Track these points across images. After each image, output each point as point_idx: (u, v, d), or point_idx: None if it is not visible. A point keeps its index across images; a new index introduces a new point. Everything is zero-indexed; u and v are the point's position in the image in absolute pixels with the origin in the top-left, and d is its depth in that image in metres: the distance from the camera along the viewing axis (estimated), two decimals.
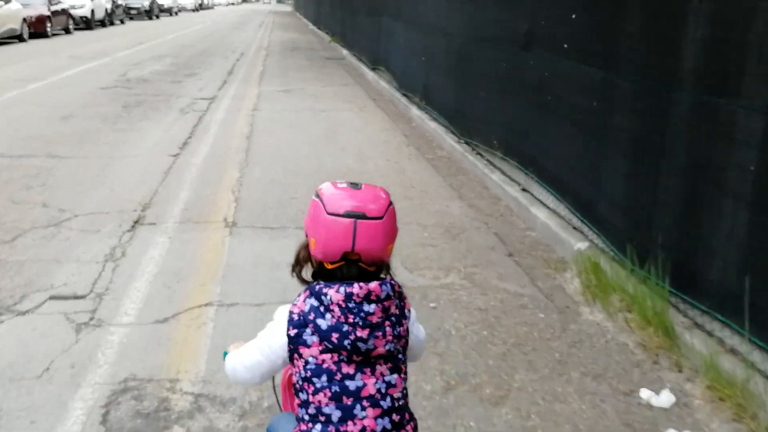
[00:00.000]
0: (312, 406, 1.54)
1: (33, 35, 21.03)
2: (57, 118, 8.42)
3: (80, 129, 7.82)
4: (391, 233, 1.58)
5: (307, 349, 1.52)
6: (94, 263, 4.05)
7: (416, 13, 9.83)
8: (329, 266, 1.57)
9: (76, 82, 11.53)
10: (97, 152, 6.77)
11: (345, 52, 18.82)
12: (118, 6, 32.33)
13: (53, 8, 22.65)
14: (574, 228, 4.65)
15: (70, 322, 3.33)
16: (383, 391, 1.55)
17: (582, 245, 4.32)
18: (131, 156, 6.68)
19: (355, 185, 1.59)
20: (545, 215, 4.99)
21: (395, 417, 1.56)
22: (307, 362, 1.53)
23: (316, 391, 1.53)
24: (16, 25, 19.49)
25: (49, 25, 21.94)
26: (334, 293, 1.50)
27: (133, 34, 25.16)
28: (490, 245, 4.65)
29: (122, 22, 33.31)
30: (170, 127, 8.12)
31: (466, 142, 7.26)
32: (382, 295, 1.53)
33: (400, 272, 4.13)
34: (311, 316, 1.52)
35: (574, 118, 4.63)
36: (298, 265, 1.66)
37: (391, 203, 1.58)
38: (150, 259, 4.15)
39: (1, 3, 18.46)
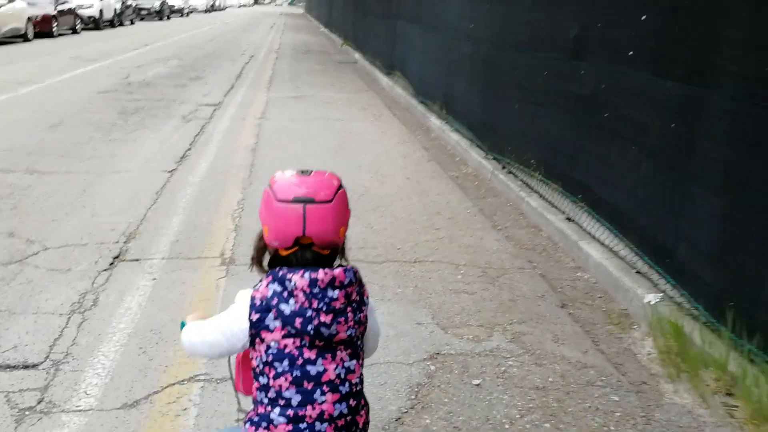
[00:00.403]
0: (272, 390, 1.54)
1: (38, 35, 20.45)
2: (45, 125, 7.70)
3: (69, 139, 7.09)
4: (342, 216, 1.59)
5: (269, 334, 1.52)
6: (57, 316, 3.30)
7: (436, 15, 9.07)
8: (284, 252, 1.57)
9: (73, 86, 10.84)
10: (84, 167, 6.04)
11: (357, 55, 18.12)
12: (127, 6, 31.79)
13: (60, 7, 22.07)
14: (638, 272, 3.86)
15: (11, 407, 2.57)
16: (342, 376, 1.57)
17: (653, 298, 3.53)
18: (122, 171, 5.94)
19: (304, 172, 1.59)
20: (599, 253, 4.21)
21: (352, 402, 1.59)
22: (269, 347, 1.53)
23: (277, 376, 1.53)
24: (20, 24, 18.89)
25: (55, 24, 21.36)
26: (299, 279, 1.51)
27: (141, 34, 24.56)
28: (537, 292, 3.87)
29: (132, 22, 32.78)
30: (169, 138, 7.39)
31: (495, 159, 6.48)
32: (346, 281, 1.56)
33: (432, 329, 3.37)
34: (274, 302, 1.51)
35: (641, 141, 3.84)
36: (256, 255, 1.66)
37: (341, 187, 1.59)
38: (126, 310, 3.39)
39: (4, 2, 17.86)
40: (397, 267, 4.11)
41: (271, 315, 1.51)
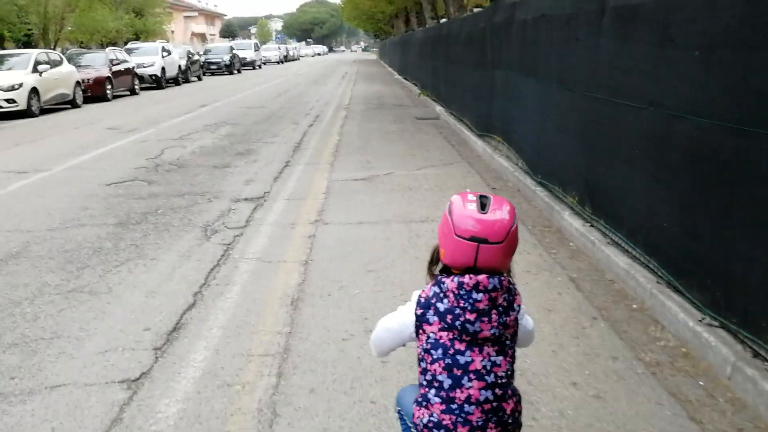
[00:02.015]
0: (429, 373, 1.85)
1: (91, 99, 18.93)
2: None
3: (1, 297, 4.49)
4: (511, 251, 1.84)
5: (429, 326, 1.84)
6: None
7: (566, 66, 6.17)
8: (455, 272, 1.86)
9: (81, 175, 8.49)
10: None
11: (439, 108, 15.47)
12: (194, 62, 30.62)
13: (116, 68, 20.60)
14: None
15: None
16: (488, 368, 1.82)
17: None
18: (41, 392, 3.23)
19: (483, 205, 1.82)
20: None
21: (498, 391, 1.83)
22: (428, 337, 1.84)
23: (433, 361, 1.83)
24: (67, 89, 17.32)
25: (109, 87, 19.83)
26: (450, 282, 1.82)
27: (202, 92, 22.87)
28: None
29: (199, 78, 31.63)
30: (168, 279, 4.71)
31: (734, 334, 3.45)
32: (489, 287, 1.80)
33: None
34: (433, 300, 1.84)
35: None
36: (432, 264, 1.97)
37: (514, 224, 1.83)
38: None
39: (47, 66, 16.27)
40: None
41: (431, 311, 1.83)
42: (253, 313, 4.11)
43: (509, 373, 1.87)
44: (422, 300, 1.86)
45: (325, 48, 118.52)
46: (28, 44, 28.26)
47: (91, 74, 18.89)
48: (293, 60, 67.75)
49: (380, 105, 17.51)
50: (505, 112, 9.08)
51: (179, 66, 27.25)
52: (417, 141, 11.15)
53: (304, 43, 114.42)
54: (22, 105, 15.24)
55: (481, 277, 1.78)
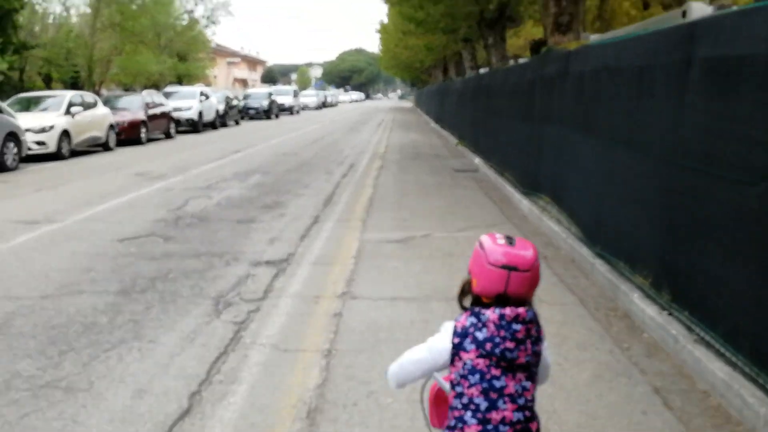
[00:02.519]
0: (465, 397, 1.96)
1: (125, 142, 18.69)
2: None
3: None
4: (536, 281, 2.01)
5: (466, 354, 1.96)
6: None
7: (639, 125, 5.33)
8: (485, 300, 2.02)
9: (94, 228, 7.84)
10: None
11: (477, 160, 14.73)
12: (232, 107, 30.59)
13: (152, 111, 20.42)
14: None
15: None
16: (519, 392, 1.97)
17: None
18: None
19: (510, 241, 2.00)
20: None
21: (527, 413, 1.98)
22: (465, 363, 1.96)
23: (470, 386, 1.96)
24: (100, 132, 17.07)
25: (144, 130, 19.60)
26: (491, 313, 1.96)
27: (237, 138, 22.55)
28: None
29: (237, 123, 31.57)
30: (164, 371, 3.91)
31: None
32: (527, 318, 1.98)
33: None
34: (471, 330, 1.96)
35: None
36: (462, 295, 2.10)
37: (537, 260, 2.00)
38: None
39: (80, 108, 16.05)
40: None
41: (468, 339, 1.95)
42: (259, 429, 3.27)
43: (534, 397, 2.01)
44: (459, 329, 1.97)
45: (362, 95, 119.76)
46: (75, 85, 28.69)
47: (125, 117, 18.70)
48: (331, 106, 68.17)
49: (416, 155, 16.83)
50: (555, 170, 8.24)
51: (217, 110, 27.15)
52: (456, 197, 10.35)
53: (342, 89, 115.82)
54: (51, 147, 14.96)
55: (521, 310, 1.96)
